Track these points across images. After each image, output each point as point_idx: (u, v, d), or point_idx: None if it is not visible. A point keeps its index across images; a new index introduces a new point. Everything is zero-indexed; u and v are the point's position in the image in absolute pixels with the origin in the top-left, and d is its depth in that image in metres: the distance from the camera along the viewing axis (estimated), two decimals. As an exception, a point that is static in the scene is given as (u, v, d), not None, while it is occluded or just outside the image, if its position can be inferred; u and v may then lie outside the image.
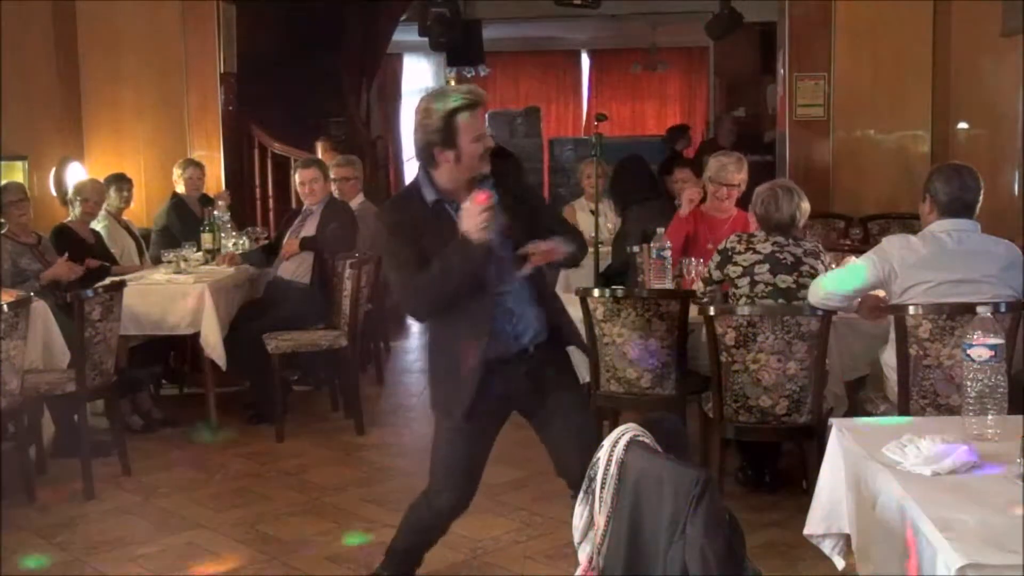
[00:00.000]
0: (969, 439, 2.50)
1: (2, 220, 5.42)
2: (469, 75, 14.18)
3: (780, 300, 4.21)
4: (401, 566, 3.56)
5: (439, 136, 3.10)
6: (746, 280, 4.28)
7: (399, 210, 3.30)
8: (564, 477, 3.38)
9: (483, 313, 3.18)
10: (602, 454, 2.27)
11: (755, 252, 4.29)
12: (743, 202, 5.16)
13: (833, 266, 4.44)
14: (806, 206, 4.37)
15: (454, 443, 3.34)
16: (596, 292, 4.46)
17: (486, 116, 3.23)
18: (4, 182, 6.24)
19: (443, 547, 4.04)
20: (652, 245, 4.92)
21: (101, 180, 6.62)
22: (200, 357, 5.92)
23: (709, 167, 5.33)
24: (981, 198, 3.88)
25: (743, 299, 4.27)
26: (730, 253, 4.34)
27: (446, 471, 3.39)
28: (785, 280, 4.23)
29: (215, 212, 6.82)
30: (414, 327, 8.80)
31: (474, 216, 3.01)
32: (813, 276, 4.22)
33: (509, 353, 3.24)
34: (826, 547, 2.80)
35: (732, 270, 4.31)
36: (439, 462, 3.40)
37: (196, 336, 5.83)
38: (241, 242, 6.65)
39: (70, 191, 6.32)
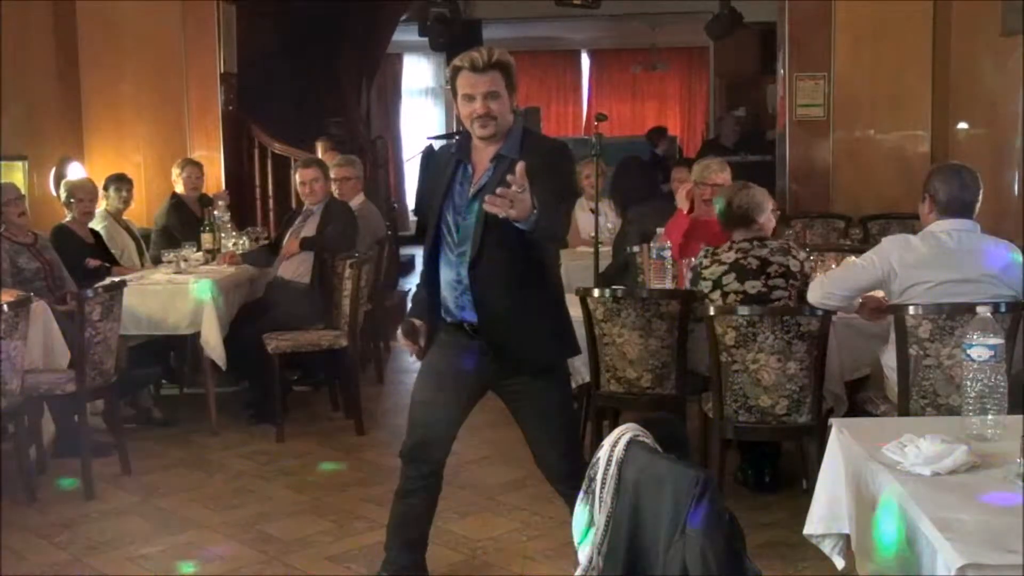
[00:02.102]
0: (969, 439, 2.50)
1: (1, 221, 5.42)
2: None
3: (753, 306, 4.19)
4: (397, 562, 3.56)
5: (451, 88, 3.36)
6: (717, 293, 4.29)
7: (428, 155, 3.57)
8: (539, 468, 3.51)
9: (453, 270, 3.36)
10: (602, 454, 2.27)
11: (720, 263, 4.32)
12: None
13: (813, 259, 4.47)
14: (762, 201, 4.40)
15: (416, 388, 3.52)
16: (596, 292, 4.46)
17: (489, 82, 3.24)
18: (1, 182, 6.23)
19: (443, 547, 4.06)
20: (652, 245, 4.93)
21: (91, 179, 6.61)
22: (200, 357, 5.92)
23: (693, 171, 5.41)
24: (981, 198, 3.89)
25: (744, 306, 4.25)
26: (699, 269, 4.38)
27: (409, 414, 3.52)
28: (755, 285, 4.23)
29: (215, 212, 6.82)
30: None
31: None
32: (785, 275, 4.25)
33: (464, 323, 3.35)
34: (826, 547, 2.80)
35: (704, 285, 4.33)
36: (409, 410, 3.54)
37: (196, 336, 5.83)
38: (241, 242, 6.65)
39: (62, 193, 6.30)
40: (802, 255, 4.39)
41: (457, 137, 3.53)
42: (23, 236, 5.61)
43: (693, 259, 4.90)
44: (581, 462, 3.28)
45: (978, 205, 3.88)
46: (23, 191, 5.89)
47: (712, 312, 4.07)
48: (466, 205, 3.32)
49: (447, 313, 3.40)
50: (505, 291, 3.29)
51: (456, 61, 3.30)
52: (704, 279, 4.33)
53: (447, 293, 3.37)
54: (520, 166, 2.94)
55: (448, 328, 3.42)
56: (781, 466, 4.73)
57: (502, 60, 3.25)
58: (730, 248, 4.34)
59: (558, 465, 3.42)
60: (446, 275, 3.37)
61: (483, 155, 3.34)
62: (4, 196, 5.57)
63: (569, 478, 3.25)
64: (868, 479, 2.45)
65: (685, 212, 5.29)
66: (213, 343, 5.75)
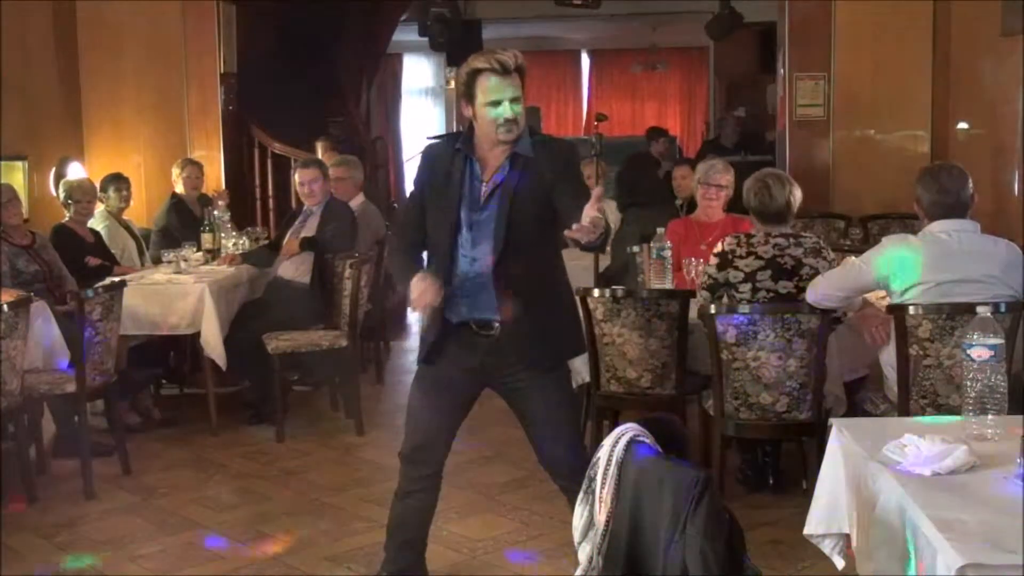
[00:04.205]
0: (969, 439, 2.50)
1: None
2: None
3: (754, 304, 4.17)
4: (396, 562, 3.56)
5: (463, 90, 3.30)
6: (748, 286, 4.22)
7: (429, 150, 3.49)
8: (542, 464, 3.50)
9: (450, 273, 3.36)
10: (602, 454, 2.27)
11: (757, 257, 4.21)
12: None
13: (835, 263, 4.43)
14: (799, 193, 4.32)
15: (414, 390, 3.52)
16: (596, 292, 4.46)
17: (514, 86, 3.23)
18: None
19: (443, 547, 4.06)
20: (652, 245, 4.93)
21: (90, 180, 6.60)
22: (200, 357, 5.92)
23: (697, 172, 5.40)
24: (970, 195, 3.86)
25: (743, 304, 4.24)
26: (730, 256, 4.24)
27: (408, 415, 3.53)
28: (786, 286, 4.18)
29: (215, 212, 6.82)
30: (414, 327, 8.78)
31: None
32: (814, 277, 4.21)
33: (471, 321, 3.35)
34: (826, 547, 2.79)
35: (734, 275, 4.23)
36: (407, 412, 3.54)
37: (196, 336, 5.82)
38: (241, 242, 6.64)
39: (61, 193, 6.30)
40: (831, 256, 4.30)
41: (459, 133, 3.50)
42: (20, 238, 5.56)
43: (693, 260, 4.91)
44: (586, 457, 3.28)
45: (970, 203, 3.86)
46: (23, 191, 5.87)
47: (713, 311, 4.07)
48: (478, 202, 3.30)
49: (453, 312, 3.37)
50: (527, 288, 3.30)
51: (477, 63, 3.23)
52: (736, 268, 4.22)
53: (459, 289, 3.33)
54: (597, 191, 3.02)
55: (451, 328, 3.40)
56: (781, 466, 4.73)
57: (523, 63, 3.27)
58: (766, 242, 4.23)
59: (564, 460, 3.39)
60: (458, 271, 3.33)
61: (490, 153, 3.32)
62: (3, 197, 5.55)
63: (575, 473, 3.23)
64: (868, 479, 2.45)
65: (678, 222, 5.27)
66: (213, 343, 5.74)
